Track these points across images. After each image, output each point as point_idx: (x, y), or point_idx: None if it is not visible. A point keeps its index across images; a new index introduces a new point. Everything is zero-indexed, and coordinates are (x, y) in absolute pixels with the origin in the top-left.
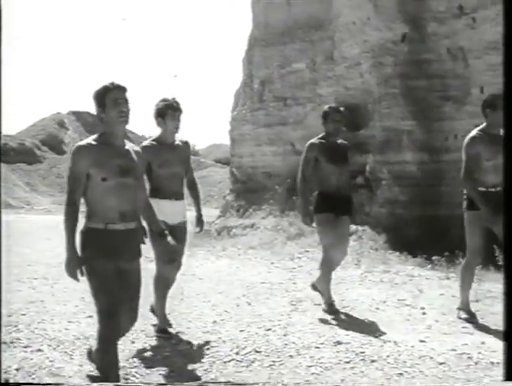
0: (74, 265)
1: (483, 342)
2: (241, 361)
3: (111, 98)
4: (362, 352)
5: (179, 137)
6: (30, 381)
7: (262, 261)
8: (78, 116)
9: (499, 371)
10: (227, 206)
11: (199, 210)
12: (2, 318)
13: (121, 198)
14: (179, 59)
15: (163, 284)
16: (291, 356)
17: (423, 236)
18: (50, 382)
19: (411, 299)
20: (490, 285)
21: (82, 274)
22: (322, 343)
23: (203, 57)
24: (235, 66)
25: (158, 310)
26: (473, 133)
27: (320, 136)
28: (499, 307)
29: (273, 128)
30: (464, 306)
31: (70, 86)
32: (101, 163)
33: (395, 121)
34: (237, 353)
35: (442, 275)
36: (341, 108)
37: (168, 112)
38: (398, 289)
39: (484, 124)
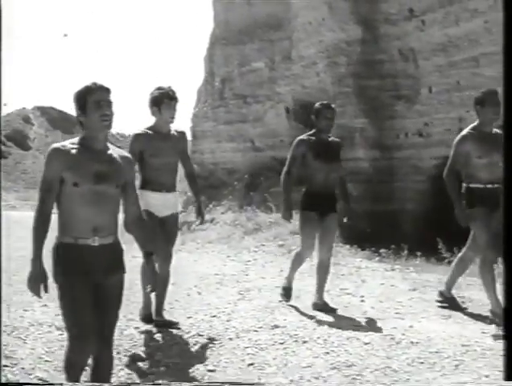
0: (36, 281)
1: (411, 326)
2: (184, 344)
3: (93, 100)
4: (296, 334)
5: (175, 127)
6: None
7: (219, 255)
8: (43, 111)
9: (417, 350)
10: (188, 201)
11: (199, 202)
12: (1, 318)
13: (95, 208)
14: (143, 56)
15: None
16: (230, 339)
17: (373, 230)
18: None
19: (353, 289)
20: (429, 276)
21: (46, 290)
22: (261, 327)
23: (166, 53)
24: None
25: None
26: (464, 131)
27: (311, 132)
28: (432, 295)
29: (233, 125)
30: (495, 308)
31: (35, 81)
32: (75, 166)
33: (349, 119)
34: (181, 337)
35: (388, 267)
36: (333, 105)
37: (164, 100)
38: (343, 279)
39: (476, 122)
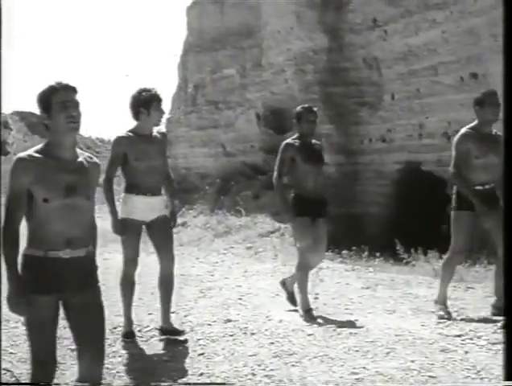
0: (18, 299)
1: (356, 320)
2: (141, 337)
3: (58, 101)
4: (246, 327)
5: (157, 129)
6: None
7: (188, 257)
8: (22, 116)
9: (354, 340)
10: None
11: (173, 205)
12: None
13: (67, 221)
14: (119, 62)
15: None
16: (185, 332)
17: (337, 232)
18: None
19: (310, 287)
20: (384, 275)
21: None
22: (214, 321)
23: (141, 60)
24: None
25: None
26: (463, 130)
27: (294, 136)
28: (383, 292)
29: (205, 130)
30: (441, 301)
31: (13, 86)
32: (43, 180)
33: None
34: (139, 331)
35: (348, 267)
36: (315, 108)
37: (154, 102)
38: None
39: (475, 122)
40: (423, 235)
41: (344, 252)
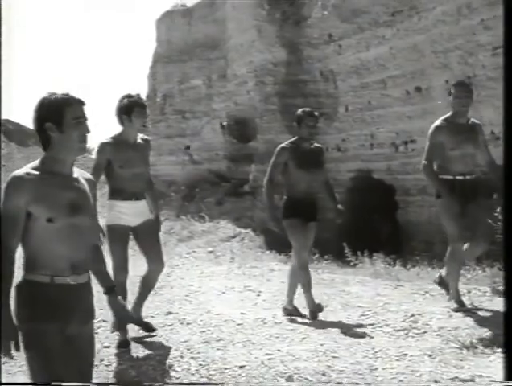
0: (9, 337)
1: (289, 314)
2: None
3: (72, 116)
4: (184, 319)
5: (140, 135)
6: None
7: None
8: None
9: (277, 328)
10: None
11: (156, 209)
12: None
13: (72, 243)
14: (90, 72)
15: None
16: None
17: None
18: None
19: (255, 286)
20: (326, 275)
21: (18, 349)
22: (157, 313)
23: (111, 70)
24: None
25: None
26: (437, 122)
27: (293, 140)
28: (321, 290)
29: (173, 139)
30: (455, 297)
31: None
32: (46, 199)
33: (274, 135)
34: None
35: (315, 270)
36: (316, 113)
37: (135, 108)
38: (251, 279)
39: (449, 113)
40: (371, 239)
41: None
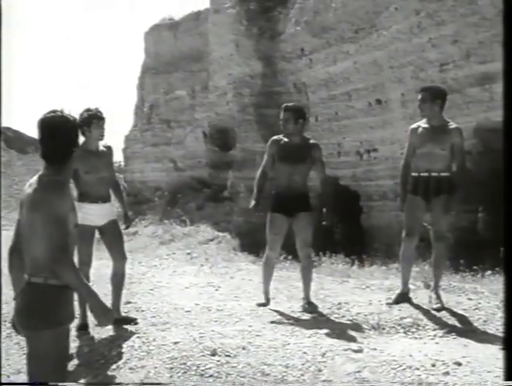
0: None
1: (239, 304)
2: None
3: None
4: (140, 307)
5: (102, 143)
6: None
7: (132, 261)
8: None
9: (218, 314)
10: (118, 216)
11: (124, 209)
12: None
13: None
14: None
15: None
16: None
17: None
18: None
19: (217, 282)
20: (284, 273)
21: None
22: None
23: (104, 81)
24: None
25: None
26: (413, 125)
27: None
28: (272, 285)
29: (158, 147)
30: (404, 289)
31: (19, 102)
32: (74, 207)
33: (251, 143)
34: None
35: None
36: (289, 105)
37: (93, 121)
38: (217, 276)
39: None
40: (335, 241)
41: (262, 255)
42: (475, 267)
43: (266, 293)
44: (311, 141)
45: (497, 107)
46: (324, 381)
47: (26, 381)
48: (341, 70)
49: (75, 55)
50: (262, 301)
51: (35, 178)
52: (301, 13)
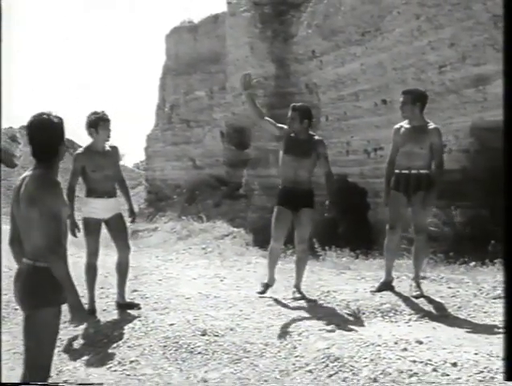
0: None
1: (239, 293)
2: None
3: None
4: (145, 294)
5: (109, 144)
6: None
7: (149, 255)
8: None
9: (217, 302)
10: (140, 213)
11: (130, 204)
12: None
13: None
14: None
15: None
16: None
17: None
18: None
19: (224, 274)
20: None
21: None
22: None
23: (126, 82)
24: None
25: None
26: (396, 125)
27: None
28: (280, 276)
29: (178, 146)
30: (388, 278)
31: (21, 102)
32: (65, 201)
33: (264, 142)
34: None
35: (281, 262)
36: (297, 105)
37: (100, 123)
38: (225, 269)
39: None
40: (343, 236)
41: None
42: (466, 259)
43: (271, 274)
44: (316, 138)
45: (490, 107)
46: (296, 356)
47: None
48: (349, 71)
49: (75, 55)
50: (262, 287)
51: (27, 174)
52: (312, 16)
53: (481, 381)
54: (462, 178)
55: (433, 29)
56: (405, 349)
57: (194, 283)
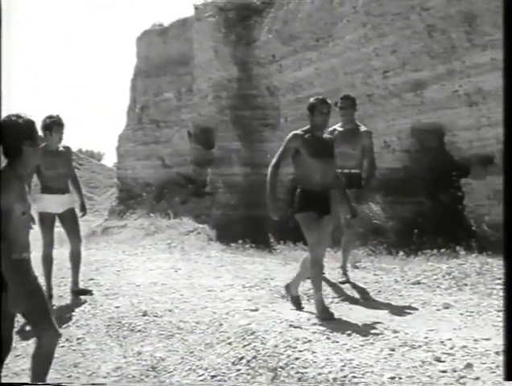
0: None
1: (190, 283)
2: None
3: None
4: (99, 282)
5: (62, 144)
6: None
7: (116, 250)
8: None
9: (164, 288)
10: (112, 211)
11: (81, 199)
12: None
13: None
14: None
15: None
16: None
17: (243, 230)
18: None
19: (180, 266)
20: (246, 258)
21: None
22: (82, 280)
23: (99, 84)
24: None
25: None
26: (331, 128)
27: (306, 128)
28: (228, 268)
29: (148, 145)
30: (343, 269)
31: (21, 102)
32: (22, 197)
33: (228, 142)
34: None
35: (231, 255)
36: (329, 101)
37: (54, 126)
38: (183, 262)
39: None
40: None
41: (232, 244)
42: (404, 251)
43: (322, 301)
44: (328, 136)
45: (427, 110)
46: (221, 332)
47: (26, 381)
48: (305, 75)
49: (75, 55)
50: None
51: None
52: (273, 22)
53: (363, 346)
54: (405, 176)
55: (377, 37)
56: (314, 324)
57: (150, 273)
